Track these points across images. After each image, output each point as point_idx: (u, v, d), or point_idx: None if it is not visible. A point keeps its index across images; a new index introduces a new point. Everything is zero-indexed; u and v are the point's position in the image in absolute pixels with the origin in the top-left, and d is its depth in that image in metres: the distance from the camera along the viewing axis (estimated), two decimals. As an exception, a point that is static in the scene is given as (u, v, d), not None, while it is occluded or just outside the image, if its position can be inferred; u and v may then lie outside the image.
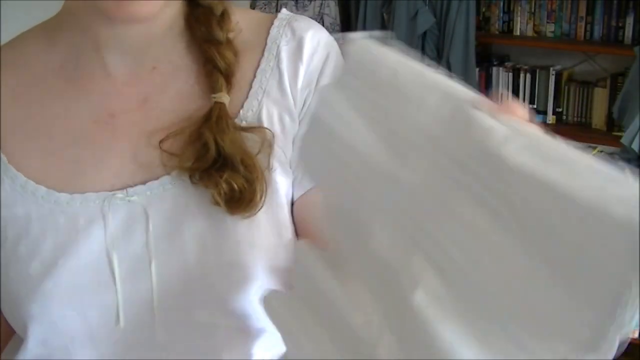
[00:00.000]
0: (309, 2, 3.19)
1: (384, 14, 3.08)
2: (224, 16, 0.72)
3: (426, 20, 2.96)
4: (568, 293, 0.47)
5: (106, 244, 0.67)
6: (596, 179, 0.46)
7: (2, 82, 0.72)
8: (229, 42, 0.71)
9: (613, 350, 0.46)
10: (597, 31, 2.89)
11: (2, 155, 0.69)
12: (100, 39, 0.69)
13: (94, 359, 0.69)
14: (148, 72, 0.70)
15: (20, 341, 0.71)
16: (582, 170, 0.47)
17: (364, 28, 3.09)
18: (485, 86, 3.08)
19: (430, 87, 0.53)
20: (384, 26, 3.09)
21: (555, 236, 0.47)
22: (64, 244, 0.67)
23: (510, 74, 3.05)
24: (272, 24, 0.74)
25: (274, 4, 3.23)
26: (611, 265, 0.45)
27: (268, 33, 0.74)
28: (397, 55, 0.55)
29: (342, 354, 0.59)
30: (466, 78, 2.89)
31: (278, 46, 0.73)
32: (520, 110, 0.51)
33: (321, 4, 3.18)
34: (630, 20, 2.83)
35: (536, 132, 0.49)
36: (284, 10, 0.77)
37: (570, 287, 0.47)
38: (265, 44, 0.73)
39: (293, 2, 3.21)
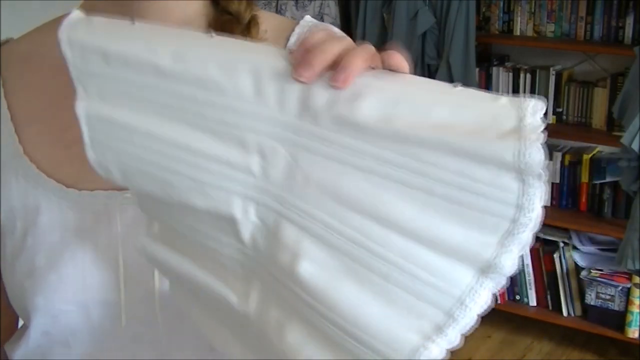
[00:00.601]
0: (309, 2, 3.19)
1: (384, 14, 3.08)
2: (250, 25, 0.72)
3: (426, 20, 2.96)
4: (460, 222, 0.49)
5: (112, 242, 0.67)
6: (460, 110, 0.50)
7: (20, 73, 0.72)
8: None
9: (512, 269, 0.49)
10: (597, 31, 2.89)
11: (19, 145, 0.70)
12: None
13: (94, 354, 0.70)
14: None
15: (24, 328, 0.72)
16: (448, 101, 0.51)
17: (364, 28, 3.09)
18: (485, 86, 3.08)
19: (233, 68, 0.52)
20: (384, 26, 3.09)
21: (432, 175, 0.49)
22: (71, 240, 0.68)
23: (510, 74, 3.05)
24: (292, 31, 0.75)
25: (274, 4, 3.23)
26: (500, 188, 0.48)
27: (287, 40, 0.74)
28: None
29: (233, 334, 0.59)
30: (466, 78, 2.89)
31: None
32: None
33: (321, 4, 3.18)
34: (630, 20, 2.82)
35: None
36: (307, 17, 0.77)
37: (461, 215, 0.49)
38: None
39: (293, 2, 3.21)
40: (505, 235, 0.49)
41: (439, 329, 0.50)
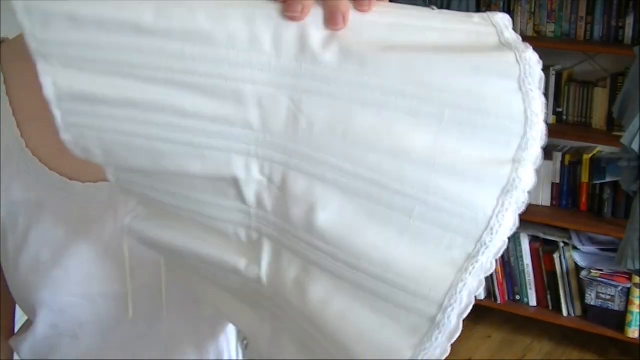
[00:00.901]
0: (309, 2, 3.19)
1: (384, 14, 3.08)
2: None
3: (426, 20, 2.96)
4: (473, 143, 0.49)
5: (117, 233, 0.67)
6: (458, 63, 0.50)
7: (20, 72, 0.72)
8: None
9: (531, 183, 0.49)
10: (597, 31, 2.89)
11: (22, 140, 0.70)
12: None
13: (100, 346, 0.71)
14: None
15: (30, 323, 0.72)
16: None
17: (364, 28, 3.09)
18: (485, 86, 3.08)
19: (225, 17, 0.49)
20: (384, 26, 3.09)
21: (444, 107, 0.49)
22: (76, 233, 0.68)
23: (510, 74, 3.05)
24: None
25: (274, 4, 3.23)
26: (506, 103, 0.49)
27: None
28: None
29: (243, 302, 0.57)
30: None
31: None
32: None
33: (321, 4, 3.17)
34: (630, 20, 2.82)
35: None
36: None
37: (473, 137, 0.49)
38: None
39: (293, 2, 3.21)
40: (518, 151, 0.48)
41: (472, 258, 0.48)
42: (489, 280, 3.09)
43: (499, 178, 0.48)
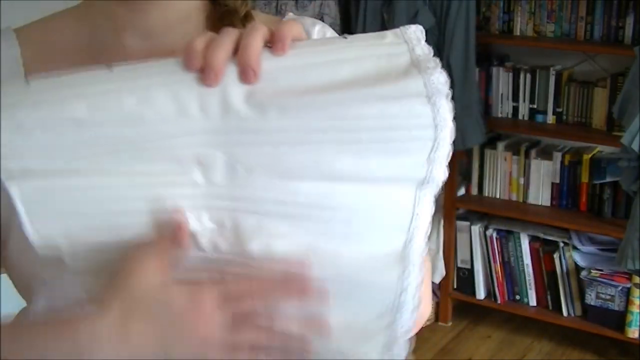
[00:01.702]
0: (309, 2, 3.19)
1: (384, 14, 3.08)
2: (247, 17, 0.75)
3: (426, 20, 2.96)
4: (392, 155, 0.57)
5: None
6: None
7: (28, 58, 0.73)
8: None
9: (443, 177, 0.59)
10: (597, 31, 2.89)
11: None
12: (120, 24, 0.71)
13: None
14: (166, 55, 0.71)
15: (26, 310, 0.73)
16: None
17: (364, 28, 3.09)
18: (485, 86, 3.08)
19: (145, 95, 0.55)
20: (384, 26, 3.09)
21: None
22: None
23: (510, 74, 3.05)
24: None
25: (274, 4, 3.23)
26: (416, 116, 0.56)
27: None
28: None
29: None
30: (466, 78, 2.89)
31: None
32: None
33: (321, 4, 3.17)
34: (630, 20, 2.82)
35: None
36: (290, 14, 0.81)
37: (391, 150, 0.57)
38: None
39: (293, 2, 3.21)
40: (431, 152, 0.56)
41: (408, 243, 0.58)
42: (489, 280, 3.09)
43: (416, 178, 0.57)
